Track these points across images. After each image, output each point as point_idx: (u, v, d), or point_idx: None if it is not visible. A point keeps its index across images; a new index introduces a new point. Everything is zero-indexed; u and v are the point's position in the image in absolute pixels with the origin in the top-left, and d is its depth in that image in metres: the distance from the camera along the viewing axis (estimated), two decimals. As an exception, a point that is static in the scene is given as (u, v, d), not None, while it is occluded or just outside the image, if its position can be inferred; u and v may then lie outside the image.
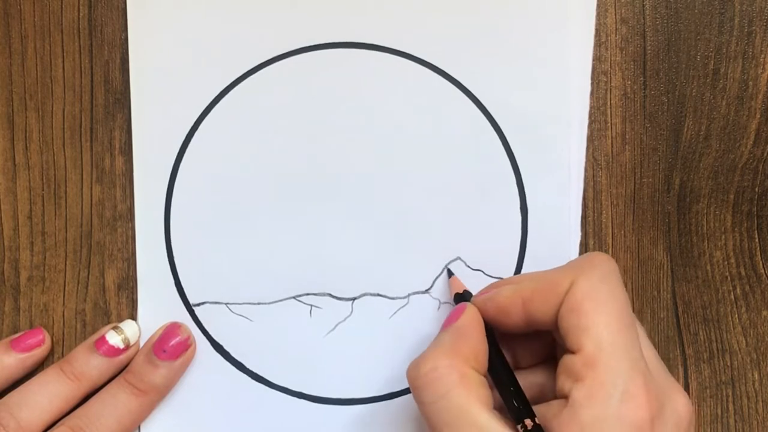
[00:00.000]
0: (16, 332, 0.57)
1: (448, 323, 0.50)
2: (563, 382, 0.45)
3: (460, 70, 0.56)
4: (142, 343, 0.56)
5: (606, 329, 0.44)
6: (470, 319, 0.49)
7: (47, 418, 0.53)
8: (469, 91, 0.56)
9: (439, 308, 0.56)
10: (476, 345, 0.48)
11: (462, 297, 0.53)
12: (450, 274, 0.56)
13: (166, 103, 0.56)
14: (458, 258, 0.56)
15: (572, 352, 0.45)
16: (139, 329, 0.56)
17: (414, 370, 0.47)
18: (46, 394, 0.54)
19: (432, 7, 0.56)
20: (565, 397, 0.45)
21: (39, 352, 0.56)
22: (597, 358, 0.44)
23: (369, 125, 0.56)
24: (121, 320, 0.57)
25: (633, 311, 0.56)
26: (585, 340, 0.45)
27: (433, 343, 0.48)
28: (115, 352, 0.55)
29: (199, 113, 0.56)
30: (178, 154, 0.56)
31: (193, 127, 0.56)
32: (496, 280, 0.56)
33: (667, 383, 0.47)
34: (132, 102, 0.56)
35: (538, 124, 0.56)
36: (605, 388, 0.43)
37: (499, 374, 0.48)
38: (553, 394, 0.47)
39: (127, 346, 0.55)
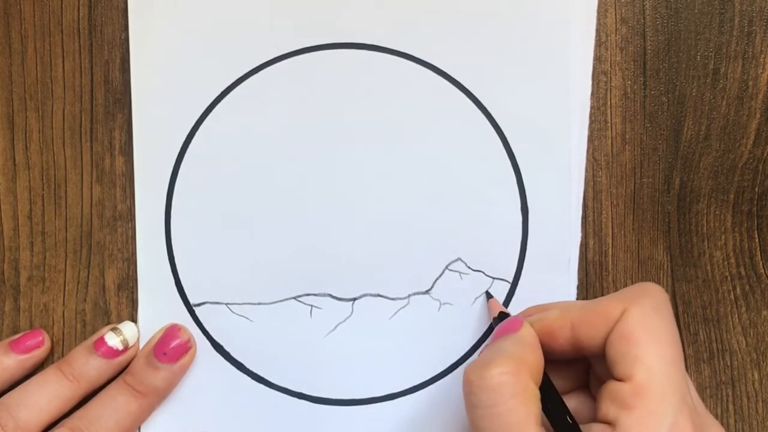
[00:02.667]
0: (16, 332, 0.57)
1: (502, 333, 0.49)
2: (608, 408, 0.45)
3: (461, 71, 0.56)
4: (141, 345, 0.56)
5: (658, 360, 0.44)
6: (530, 332, 0.49)
7: (46, 418, 0.53)
8: (470, 92, 0.56)
9: (439, 309, 0.56)
10: (537, 359, 0.47)
11: (506, 317, 0.52)
12: (489, 296, 0.56)
13: (166, 102, 0.56)
14: (459, 258, 0.56)
15: (620, 380, 0.45)
16: (138, 331, 0.57)
17: (476, 372, 0.45)
18: (44, 395, 0.54)
19: (432, 7, 0.56)
20: (608, 422, 0.45)
21: (38, 354, 0.56)
22: (648, 388, 0.44)
23: (369, 125, 0.56)
24: (120, 320, 0.57)
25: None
26: (636, 368, 0.44)
27: (494, 348, 0.47)
28: (113, 353, 0.55)
29: (200, 113, 0.56)
30: (179, 154, 0.56)
31: (193, 127, 0.56)
32: (496, 280, 0.56)
33: (708, 419, 0.48)
34: (132, 102, 0.56)
35: (538, 124, 0.56)
36: (656, 418, 0.43)
37: (548, 392, 0.48)
38: (585, 420, 0.48)
39: (126, 348, 0.55)
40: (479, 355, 0.49)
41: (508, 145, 0.56)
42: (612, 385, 0.45)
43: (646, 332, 0.45)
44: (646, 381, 0.44)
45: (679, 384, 0.44)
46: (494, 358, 0.46)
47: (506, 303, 0.56)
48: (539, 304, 0.53)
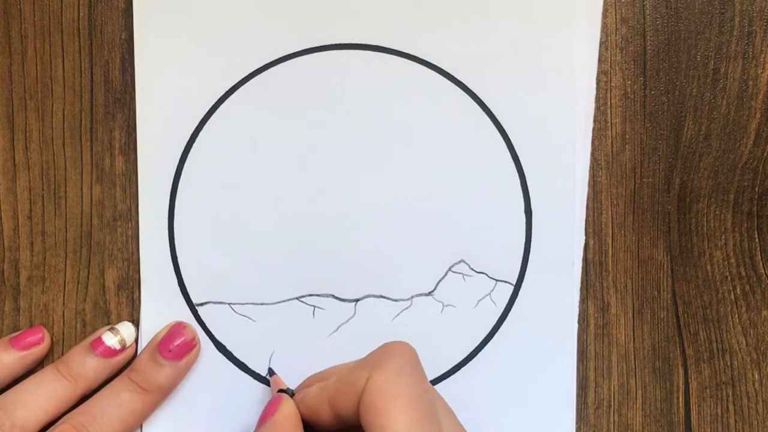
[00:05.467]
0: (16, 332, 0.57)
1: (264, 417, 0.48)
2: None
3: (466, 73, 0.56)
4: (143, 343, 0.56)
5: (403, 426, 0.43)
6: (287, 414, 0.48)
7: (44, 417, 0.53)
8: (474, 94, 0.56)
9: (442, 311, 0.57)
10: None
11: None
12: (271, 373, 0.55)
13: (170, 102, 0.56)
14: (462, 260, 0.56)
15: None
16: (136, 331, 0.57)
17: None
18: (42, 394, 0.53)
19: (438, 10, 0.56)
20: None
21: (38, 350, 0.56)
22: None
23: (374, 127, 0.57)
24: (120, 320, 0.57)
25: (633, 312, 0.56)
26: None
27: None
28: (111, 353, 0.55)
29: (205, 113, 0.56)
30: (183, 153, 0.56)
31: (197, 127, 0.56)
32: (500, 282, 0.56)
33: None
34: (137, 101, 0.56)
35: (542, 126, 0.56)
36: None
37: None
38: None
39: (124, 347, 0.55)
40: None
41: (512, 147, 0.56)
42: None
43: (387, 398, 0.44)
44: None
45: None
46: None
47: (509, 306, 0.56)
48: (318, 373, 0.52)
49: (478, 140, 0.56)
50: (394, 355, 0.46)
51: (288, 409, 0.48)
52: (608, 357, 0.57)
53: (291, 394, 0.51)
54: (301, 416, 0.48)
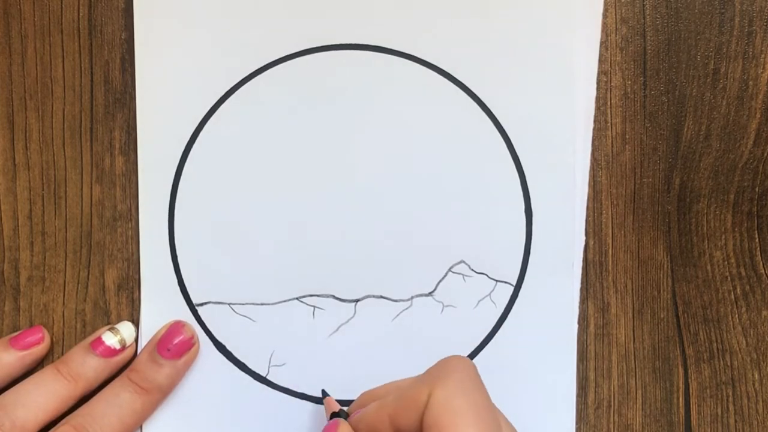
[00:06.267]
0: (16, 332, 0.57)
1: None
2: None
3: (466, 73, 0.56)
4: (143, 343, 0.56)
5: None
6: None
7: (43, 417, 0.53)
8: (475, 94, 0.56)
9: (442, 311, 0.57)
10: None
11: (338, 416, 0.50)
12: (324, 395, 0.55)
13: (170, 102, 0.56)
14: (462, 261, 0.56)
15: None
16: (136, 330, 0.57)
17: None
18: (42, 394, 0.53)
19: (438, 10, 0.56)
20: None
21: (38, 350, 0.56)
22: None
23: (374, 127, 0.57)
24: (120, 320, 0.57)
25: (633, 312, 0.56)
26: None
27: None
28: (111, 352, 0.55)
29: (205, 113, 0.56)
30: (183, 154, 0.56)
31: (198, 127, 0.56)
32: (500, 283, 0.56)
33: None
34: (137, 101, 0.56)
35: (543, 127, 0.56)
36: None
37: None
38: None
39: (123, 347, 0.55)
40: None
41: (513, 147, 0.56)
42: None
43: (450, 415, 0.43)
44: None
45: None
46: None
47: (509, 306, 0.57)
48: (372, 390, 0.51)
49: (478, 140, 0.56)
50: (455, 369, 0.45)
51: None
52: (608, 357, 0.57)
53: (345, 415, 0.50)
54: None
